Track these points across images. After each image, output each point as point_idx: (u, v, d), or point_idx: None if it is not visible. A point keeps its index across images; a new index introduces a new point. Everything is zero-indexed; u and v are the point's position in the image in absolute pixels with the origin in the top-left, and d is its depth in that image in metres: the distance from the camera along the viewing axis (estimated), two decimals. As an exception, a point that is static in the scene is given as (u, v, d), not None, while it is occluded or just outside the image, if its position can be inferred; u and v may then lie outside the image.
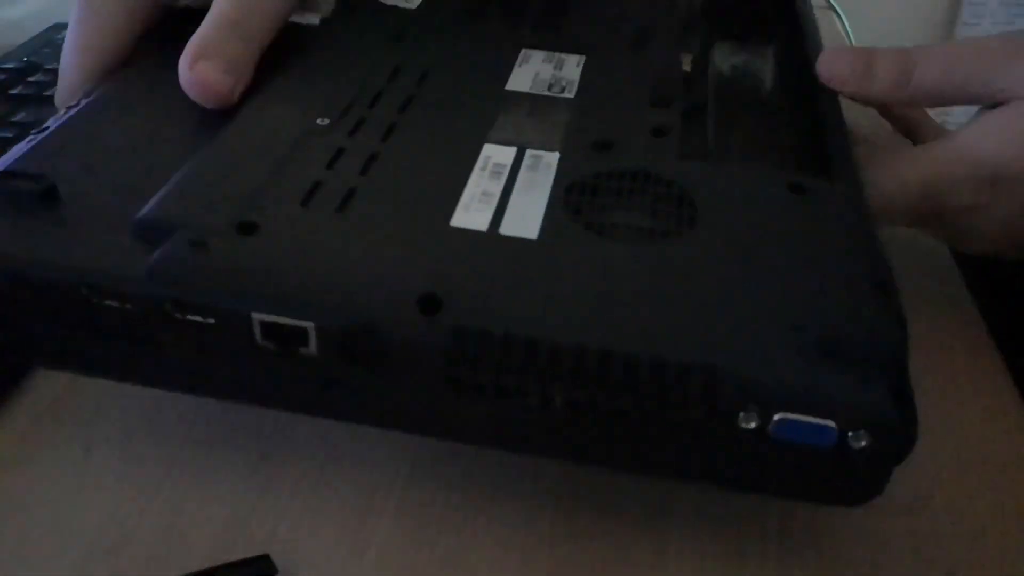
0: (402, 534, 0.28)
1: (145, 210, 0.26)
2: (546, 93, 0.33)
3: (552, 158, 0.29)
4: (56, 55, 0.54)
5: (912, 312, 0.36)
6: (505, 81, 0.34)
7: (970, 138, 0.34)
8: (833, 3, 0.68)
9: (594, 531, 0.28)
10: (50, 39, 0.58)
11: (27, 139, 0.30)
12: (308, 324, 0.24)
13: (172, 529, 0.28)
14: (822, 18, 0.67)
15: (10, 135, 0.44)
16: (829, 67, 0.35)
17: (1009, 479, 0.30)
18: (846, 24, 0.66)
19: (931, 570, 0.27)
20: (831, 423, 0.22)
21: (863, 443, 0.23)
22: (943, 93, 0.34)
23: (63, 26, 0.60)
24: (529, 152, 0.29)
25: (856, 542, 0.27)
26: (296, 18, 0.37)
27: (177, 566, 0.27)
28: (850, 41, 0.65)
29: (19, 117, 0.46)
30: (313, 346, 0.24)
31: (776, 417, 0.23)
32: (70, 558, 0.27)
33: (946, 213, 0.34)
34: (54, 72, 0.51)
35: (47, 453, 0.30)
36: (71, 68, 0.35)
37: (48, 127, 0.30)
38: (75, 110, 0.31)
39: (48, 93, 0.49)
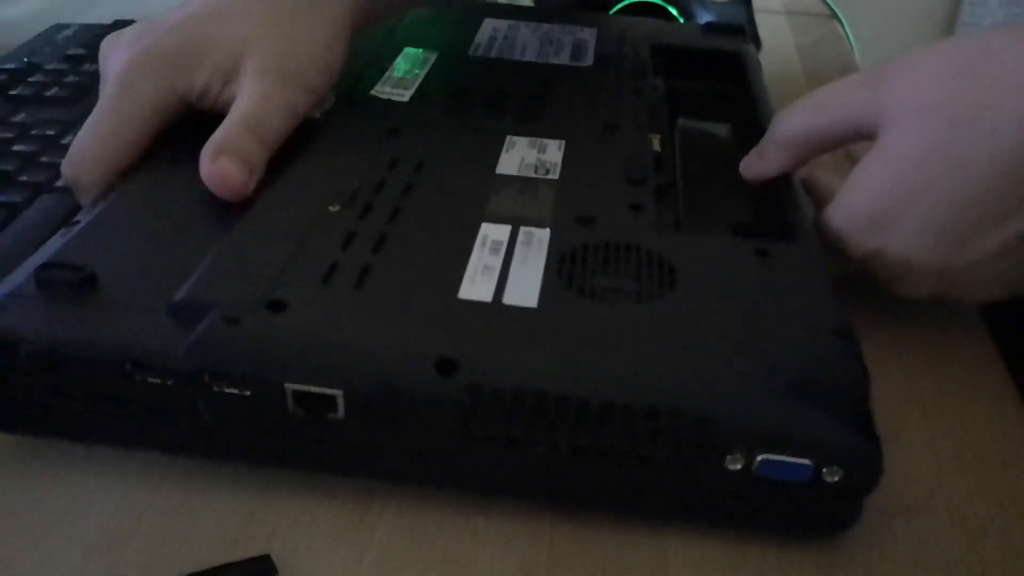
0: (402, 534, 0.28)
1: (181, 293, 0.28)
2: (533, 175, 0.36)
3: (543, 234, 0.32)
4: (56, 55, 0.54)
5: (915, 314, 0.37)
6: (495, 166, 0.37)
7: (844, 192, 0.34)
8: (835, 10, 0.68)
9: (594, 531, 0.28)
10: (50, 39, 0.58)
11: (60, 233, 0.32)
12: (336, 391, 0.26)
13: (172, 529, 0.28)
14: (825, 24, 0.67)
15: (10, 135, 0.44)
16: (744, 171, 0.38)
17: (1009, 479, 0.30)
18: (848, 30, 0.66)
19: (931, 570, 0.27)
20: (807, 460, 0.25)
21: (836, 477, 0.25)
22: (821, 142, 0.35)
23: (63, 26, 0.60)
24: (523, 229, 0.32)
25: (856, 542, 0.27)
26: None
27: (177, 566, 0.27)
28: (852, 46, 0.65)
29: (19, 117, 0.46)
30: (341, 410, 0.26)
31: (759, 458, 0.25)
32: (70, 558, 0.27)
33: (860, 264, 0.34)
34: (54, 72, 0.51)
35: (49, 452, 0.30)
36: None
37: (79, 221, 0.33)
38: (104, 204, 0.34)
39: (48, 94, 0.49)
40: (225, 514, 0.28)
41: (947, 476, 0.30)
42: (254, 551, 0.27)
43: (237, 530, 0.28)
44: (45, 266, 0.29)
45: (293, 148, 0.37)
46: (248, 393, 0.27)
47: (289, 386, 0.26)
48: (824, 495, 0.26)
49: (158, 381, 0.27)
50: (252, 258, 0.30)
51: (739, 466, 0.26)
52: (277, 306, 0.28)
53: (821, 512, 0.27)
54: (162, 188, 0.35)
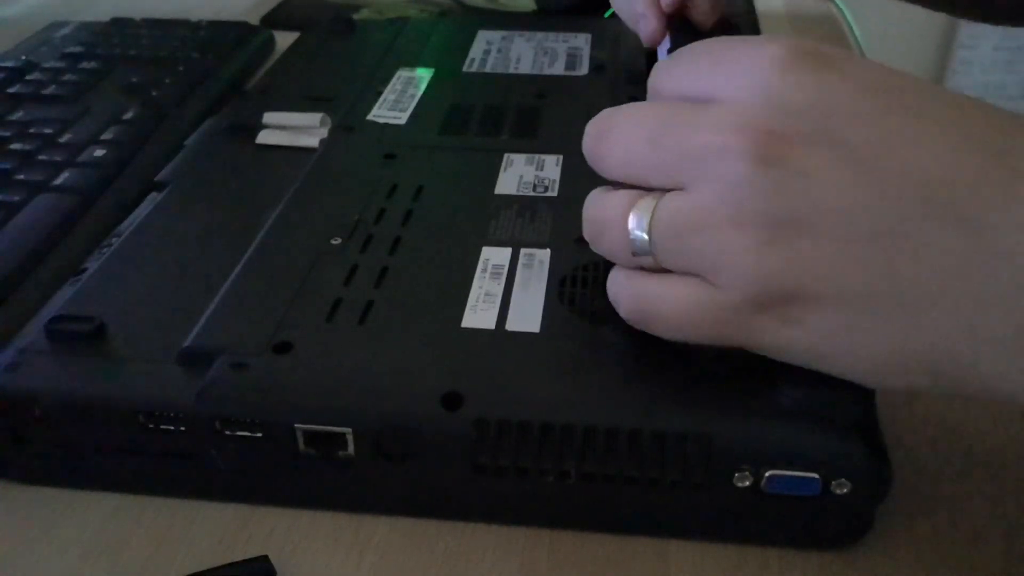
0: (402, 534, 0.28)
1: (188, 340, 0.28)
2: (531, 194, 0.36)
3: (544, 255, 0.32)
4: (54, 53, 0.54)
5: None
6: (494, 186, 0.37)
7: None
8: (839, 5, 0.68)
9: (594, 533, 0.28)
10: (47, 38, 0.58)
11: (69, 282, 0.33)
12: (346, 430, 0.26)
13: (171, 530, 0.28)
14: (828, 19, 0.67)
15: (8, 133, 0.44)
16: None
17: (1010, 479, 0.30)
18: (853, 27, 0.66)
19: (932, 571, 0.27)
20: (815, 475, 0.25)
21: (845, 489, 0.25)
22: None
23: (60, 24, 0.60)
24: (523, 251, 0.33)
25: (859, 544, 0.27)
26: (296, 142, 0.41)
27: (176, 567, 0.27)
28: (856, 40, 0.65)
29: (17, 116, 0.46)
30: (351, 448, 0.27)
31: (767, 474, 0.25)
32: (69, 559, 0.27)
33: None
34: (52, 71, 0.51)
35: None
36: None
37: (87, 268, 0.33)
38: (109, 252, 0.34)
39: (46, 92, 0.49)
40: (223, 514, 0.28)
41: (949, 478, 0.30)
42: (253, 551, 0.27)
43: (236, 530, 0.28)
44: (55, 319, 0.30)
45: (293, 178, 0.38)
46: (259, 436, 0.27)
47: (299, 427, 0.27)
48: (835, 507, 0.26)
49: (171, 428, 0.27)
50: (257, 300, 0.30)
51: (748, 483, 0.26)
52: (283, 348, 0.28)
53: (833, 523, 0.27)
54: (166, 231, 0.35)
